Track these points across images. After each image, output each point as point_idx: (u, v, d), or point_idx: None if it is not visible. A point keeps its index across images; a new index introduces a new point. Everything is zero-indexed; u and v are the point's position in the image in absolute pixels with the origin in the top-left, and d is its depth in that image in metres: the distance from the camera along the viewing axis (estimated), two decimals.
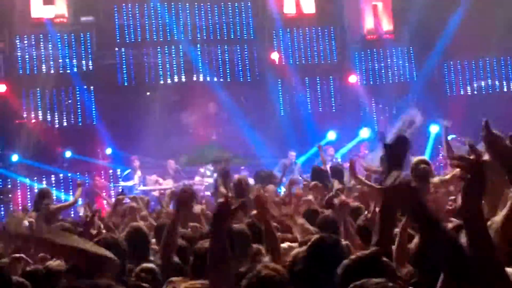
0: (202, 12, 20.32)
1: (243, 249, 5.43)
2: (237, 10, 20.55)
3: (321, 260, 3.85)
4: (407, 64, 21.45)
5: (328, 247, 3.92)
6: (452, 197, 9.36)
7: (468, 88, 21.62)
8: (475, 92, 21.49)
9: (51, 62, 19.58)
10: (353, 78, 20.89)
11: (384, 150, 3.76)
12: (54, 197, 14.70)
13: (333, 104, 21.15)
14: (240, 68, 20.63)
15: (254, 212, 6.23)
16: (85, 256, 4.02)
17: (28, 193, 18.56)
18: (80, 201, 15.47)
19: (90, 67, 19.94)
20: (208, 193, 15.42)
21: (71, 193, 17.55)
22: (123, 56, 20.06)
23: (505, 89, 21.44)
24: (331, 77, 21.13)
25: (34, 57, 19.51)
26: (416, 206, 2.92)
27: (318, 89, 21.12)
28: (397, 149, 3.73)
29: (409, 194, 2.92)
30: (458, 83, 21.62)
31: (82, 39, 19.90)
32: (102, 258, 4.08)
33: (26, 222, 8.25)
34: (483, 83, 21.53)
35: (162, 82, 20.14)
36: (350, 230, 6.30)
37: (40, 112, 19.62)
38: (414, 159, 9.31)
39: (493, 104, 19.58)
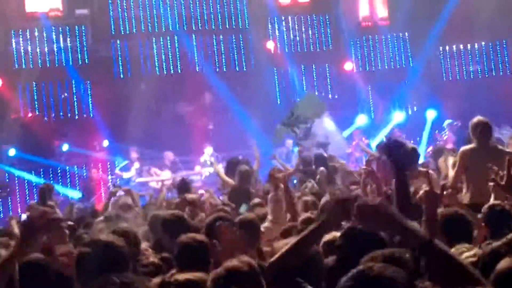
0: (197, 2, 20.27)
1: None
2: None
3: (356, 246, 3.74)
4: (402, 50, 21.45)
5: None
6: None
7: (465, 72, 21.60)
8: (471, 77, 21.47)
9: (47, 56, 19.58)
10: (349, 65, 20.87)
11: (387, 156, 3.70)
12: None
13: (330, 92, 21.11)
14: (236, 58, 20.59)
15: None
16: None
17: (26, 187, 18.60)
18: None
19: (86, 60, 19.94)
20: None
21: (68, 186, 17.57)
22: (118, 48, 20.05)
23: (501, 73, 21.41)
24: (327, 64, 21.07)
25: (30, 51, 19.49)
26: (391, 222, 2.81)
27: (314, 76, 21.07)
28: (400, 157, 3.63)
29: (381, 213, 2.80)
30: (454, 68, 21.59)
31: (77, 32, 19.89)
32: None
33: None
34: (478, 68, 21.51)
35: (158, 73, 20.10)
36: None
37: (36, 106, 19.64)
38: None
39: (488, 88, 19.62)
